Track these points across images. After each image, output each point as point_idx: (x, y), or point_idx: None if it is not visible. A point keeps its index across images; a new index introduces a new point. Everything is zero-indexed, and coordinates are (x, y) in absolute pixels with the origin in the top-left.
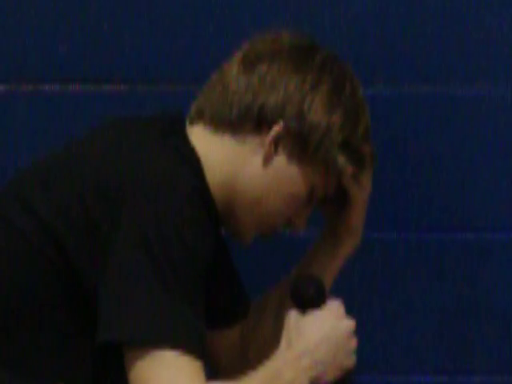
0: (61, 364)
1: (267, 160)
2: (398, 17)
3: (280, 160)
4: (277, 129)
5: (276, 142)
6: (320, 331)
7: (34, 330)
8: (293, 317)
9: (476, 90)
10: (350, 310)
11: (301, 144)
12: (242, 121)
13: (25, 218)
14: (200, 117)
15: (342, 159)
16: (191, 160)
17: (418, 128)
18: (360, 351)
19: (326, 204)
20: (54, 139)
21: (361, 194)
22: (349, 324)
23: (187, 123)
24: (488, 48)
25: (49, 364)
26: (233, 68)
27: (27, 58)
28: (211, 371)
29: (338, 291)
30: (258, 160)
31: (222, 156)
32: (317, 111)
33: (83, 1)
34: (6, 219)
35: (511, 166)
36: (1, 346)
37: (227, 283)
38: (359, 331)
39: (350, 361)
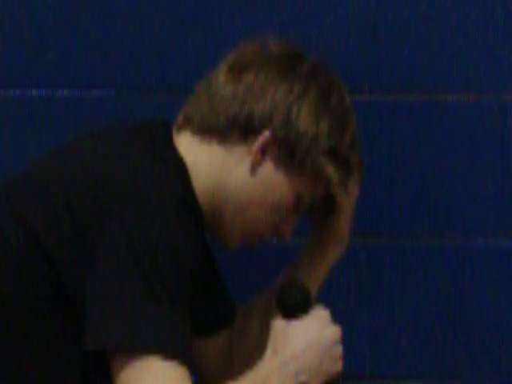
0: (49, 371)
1: (254, 168)
2: (386, 25)
3: (267, 168)
4: (264, 137)
5: (263, 151)
6: (306, 338)
7: (22, 338)
8: (278, 324)
9: (464, 99)
10: (336, 317)
11: (288, 152)
12: (230, 129)
13: (12, 226)
14: (187, 124)
15: (329, 167)
16: (178, 169)
17: (406, 135)
18: (346, 358)
19: (313, 212)
20: (42, 145)
21: (348, 201)
22: (335, 331)
23: (174, 131)
24: (477, 57)
25: (36, 371)
26: (220, 76)
27: (15, 64)
28: (198, 379)
29: (324, 298)
30: (245, 168)
31: (209, 164)
32: (304, 119)
33: (71, 7)
34: None
35: (498, 173)
36: None
37: (213, 291)
38: (345, 338)
39: (336, 367)
